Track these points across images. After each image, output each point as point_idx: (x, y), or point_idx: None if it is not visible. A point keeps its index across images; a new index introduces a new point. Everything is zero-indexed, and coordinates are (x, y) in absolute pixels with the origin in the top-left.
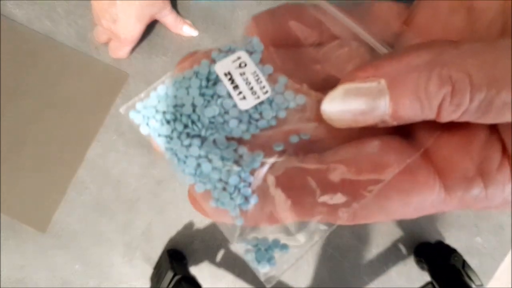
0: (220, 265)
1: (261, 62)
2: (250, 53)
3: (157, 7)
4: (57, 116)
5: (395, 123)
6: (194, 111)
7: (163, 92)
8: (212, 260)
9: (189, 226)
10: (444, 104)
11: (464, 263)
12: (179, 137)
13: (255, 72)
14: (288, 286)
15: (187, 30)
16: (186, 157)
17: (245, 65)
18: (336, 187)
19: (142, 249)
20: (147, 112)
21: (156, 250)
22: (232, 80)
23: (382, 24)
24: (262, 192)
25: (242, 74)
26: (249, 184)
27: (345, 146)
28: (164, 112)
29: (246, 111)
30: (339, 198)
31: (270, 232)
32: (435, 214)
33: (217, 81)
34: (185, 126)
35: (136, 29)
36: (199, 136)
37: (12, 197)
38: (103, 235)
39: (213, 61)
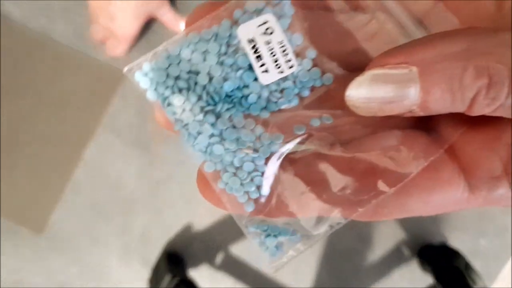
0: (219, 267)
1: (289, 29)
2: (278, 17)
3: (155, 5)
4: (53, 116)
5: (421, 114)
6: (210, 81)
7: (175, 53)
8: (211, 263)
9: (187, 228)
10: (478, 97)
11: (467, 265)
12: (191, 110)
13: (282, 41)
14: None
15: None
16: (198, 133)
17: (272, 32)
18: (358, 179)
19: (140, 251)
20: (156, 75)
21: (154, 252)
22: (255, 48)
23: None
24: (277, 180)
25: (267, 42)
26: (262, 173)
27: (369, 136)
28: (176, 78)
29: (267, 86)
30: (359, 192)
31: (280, 218)
32: (438, 215)
33: (238, 47)
34: (199, 97)
35: (134, 27)
36: (213, 111)
37: (8, 198)
38: (100, 237)
39: (236, 22)
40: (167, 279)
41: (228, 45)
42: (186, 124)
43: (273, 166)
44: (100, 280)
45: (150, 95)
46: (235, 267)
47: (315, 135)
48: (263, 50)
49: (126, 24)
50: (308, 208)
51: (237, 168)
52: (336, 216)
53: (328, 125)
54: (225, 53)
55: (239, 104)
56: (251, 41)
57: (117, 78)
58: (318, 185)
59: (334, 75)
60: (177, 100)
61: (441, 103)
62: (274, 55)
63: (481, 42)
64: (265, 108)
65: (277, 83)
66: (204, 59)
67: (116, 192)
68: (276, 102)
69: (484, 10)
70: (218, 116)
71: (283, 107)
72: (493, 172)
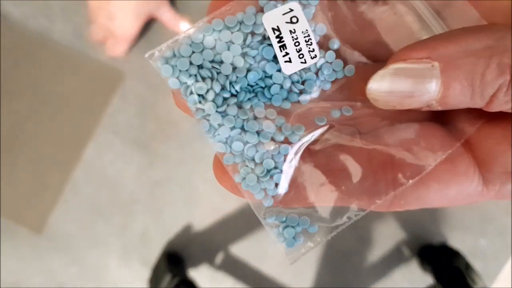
0: (219, 267)
1: (313, 19)
2: (303, 6)
3: (154, 5)
4: (52, 116)
5: (439, 108)
6: (233, 70)
7: (198, 40)
8: (211, 263)
9: (187, 228)
10: (498, 94)
11: (467, 265)
12: (214, 100)
13: (306, 31)
14: None
15: (185, 28)
16: (219, 125)
17: (297, 20)
18: (377, 171)
19: (140, 252)
20: (179, 63)
21: (154, 253)
22: (280, 37)
23: None
24: (297, 171)
25: (291, 31)
26: (281, 171)
27: (387, 129)
28: (199, 67)
29: (289, 76)
30: (378, 184)
31: (298, 209)
32: (439, 216)
33: (263, 37)
34: (222, 87)
35: (134, 27)
36: (235, 102)
37: (8, 198)
38: (99, 237)
39: (261, 10)
40: (167, 279)
41: (253, 34)
42: (208, 115)
43: (293, 159)
44: (99, 280)
45: (172, 83)
46: (235, 267)
47: (336, 126)
48: (287, 39)
49: (126, 24)
50: (327, 199)
51: (256, 164)
52: (354, 207)
53: (348, 117)
54: (250, 44)
55: (261, 94)
56: (275, 29)
57: (117, 78)
58: (338, 176)
59: (355, 66)
60: (200, 90)
61: (461, 98)
62: (298, 45)
63: (505, 40)
64: (286, 99)
65: (299, 73)
66: (228, 49)
67: (115, 192)
68: (297, 93)
69: (504, 3)
70: (239, 106)
71: (304, 98)
72: (508, 167)
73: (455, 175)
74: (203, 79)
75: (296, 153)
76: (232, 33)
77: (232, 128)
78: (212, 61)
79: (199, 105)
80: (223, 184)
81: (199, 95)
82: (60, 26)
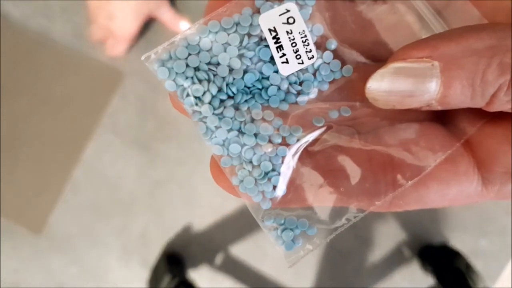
0: (219, 268)
1: (310, 19)
2: (300, 6)
3: (154, 4)
4: (52, 116)
5: (439, 108)
6: (229, 72)
7: (194, 42)
8: (211, 263)
9: (187, 228)
10: (498, 94)
11: (468, 265)
12: (210, 102)
13: (303, 31)
14: None
15: (185, 28)
16: (216, 127)
17: (294, 21)
18: (377, 172)
19: (139, 252)
20: (175, 65)
21: (154, 253)
22: (276, 38)
23: None
24: (296, 172)
25: (288, 32)
26: (279, 173)
27: (387, 129)
28: (196, 69)
29: (287, 77)
30: (377, 185)
31: (297, 212)
32: (439, 216)
33: (259, 38)
34: (219, 89)
35: (133, 27)
36: (232, 104)
37: (7, 198)
38: (99, 237)
39: (257, 11)
40: (166, 280)
41: (249, 35)
42: (205, 117)
43: (291, 160)
44: (99, 281)
45: (168, 86)
46: (235, 268)
47: (334, 127)
48: (284, 40)
49: (126, 23)
50: (326, 200)
51: (253, 166)
52: (353, 209)
53: (347, 117)
54: (246, 46)
55: (258, 96)
56: (272, 30)
57: (116, 78)
58: (336, 177)
59: (353, 66)
60: (196, 92)
61: (461, 98)
62: (294, 45)
63: (506, 39)
64: (284, 100)
65: (297, 74)
66: (225, 50)
67: (115, 192)
68: (295, 94)
69: (506, 3)
70: (236, 108)
71: (302, 99)
72: (508, 167)
73: (455, 175)
74: (200, 81)
75: (294, 155)
76: (228, 34)
77: (229, 130)
78: (208, 63)
79: (195, 108)
80: (220, 185)
81: (195, 97)
82: (60, 26)
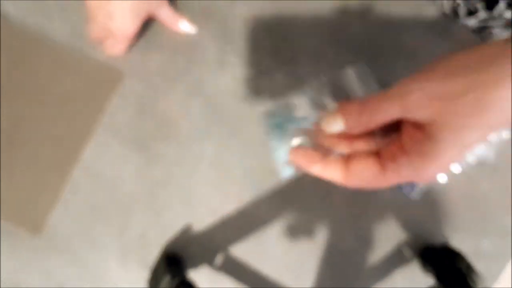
0: (219, 268)
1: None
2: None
3: (154, 4)
4: (51, 116)
5: (356, 131)
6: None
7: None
8: (211, 263)
9: (187, 228)
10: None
11: (469, 266)
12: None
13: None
14: None
15: (185, 27)
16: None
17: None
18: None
19: (139, 253)
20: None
21: (153, 253)
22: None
23: None
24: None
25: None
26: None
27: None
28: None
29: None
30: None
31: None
32: (440, 217)
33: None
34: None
35: (132, 26)
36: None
37: (6, 199)
38: (98, 238)
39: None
40: (166, 280)
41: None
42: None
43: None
44: (99, 281)
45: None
46: (235, 268)
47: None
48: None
49: (125, 23)
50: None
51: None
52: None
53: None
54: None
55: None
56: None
57: (115, 78)
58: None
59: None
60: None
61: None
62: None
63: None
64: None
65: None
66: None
67: (114, 192)
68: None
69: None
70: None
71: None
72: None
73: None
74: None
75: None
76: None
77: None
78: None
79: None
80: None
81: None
82: (59, 25)
